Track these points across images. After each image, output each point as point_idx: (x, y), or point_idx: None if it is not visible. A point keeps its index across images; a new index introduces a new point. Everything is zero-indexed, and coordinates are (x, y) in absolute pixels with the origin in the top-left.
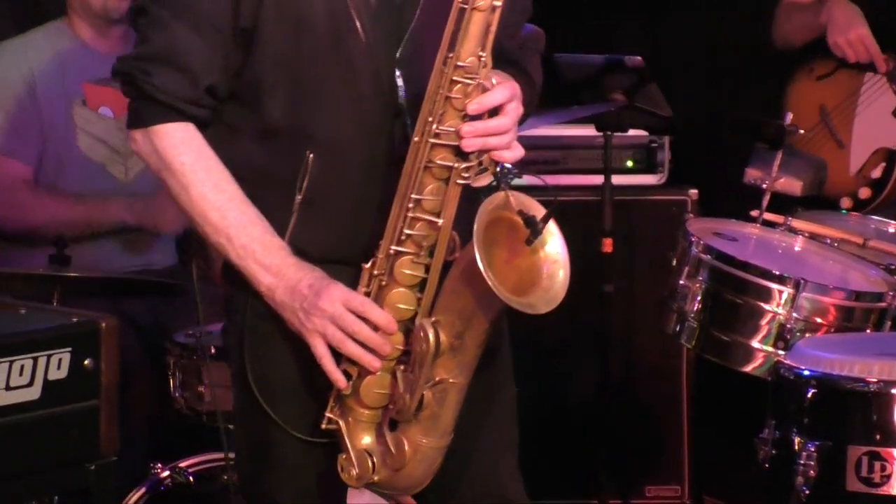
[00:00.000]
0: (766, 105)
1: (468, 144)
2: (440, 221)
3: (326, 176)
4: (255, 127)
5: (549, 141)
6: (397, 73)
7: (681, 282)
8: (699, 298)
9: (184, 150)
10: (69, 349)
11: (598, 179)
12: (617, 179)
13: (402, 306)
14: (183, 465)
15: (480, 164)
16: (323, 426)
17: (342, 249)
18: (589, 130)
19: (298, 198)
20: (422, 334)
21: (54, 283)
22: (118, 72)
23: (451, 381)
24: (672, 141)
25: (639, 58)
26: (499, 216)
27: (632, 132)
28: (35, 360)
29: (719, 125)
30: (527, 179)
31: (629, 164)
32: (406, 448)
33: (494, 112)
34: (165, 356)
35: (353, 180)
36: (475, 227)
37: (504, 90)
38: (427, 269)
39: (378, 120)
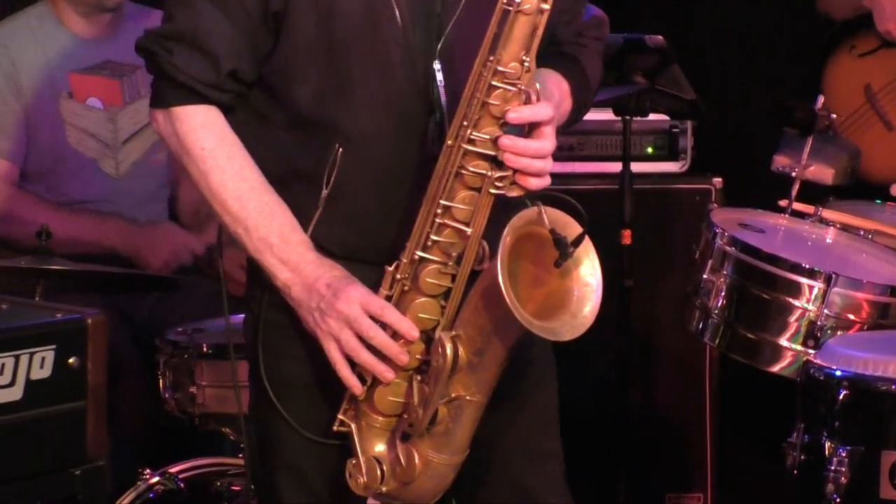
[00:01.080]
0: (798, 87)
1: (511, 160)
2: (469, 230)
3: (354, 170)
4: (283, 115)
5: None
6: (437, 66)
7: (704, 276)
8: (724, 294)
9: (204, 134)
10: (53, 347)
11: (616, 167)
12: (636, 167)
13: (424, 316)
14: (173, 470)
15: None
16: (335, 428)
17: (366, 248)
18: (607, 115)
19: (325, 192)
20: (440, 349)
21: (38, 276)
22: (141, 48)
23: (467, 398)
24: (695, 126)
25: (660, 37)
26: (530, 231)
27: (652, 116)
28: (17, 358)
29: (746, 109)
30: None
31: (649, 150)
32: (416, 462)
33: (532, 126)
34: (156, 355)
35: (381, 176)
36: (501, 244)
37: (548, 109)
38: (454, 278)
39: (411, 114)
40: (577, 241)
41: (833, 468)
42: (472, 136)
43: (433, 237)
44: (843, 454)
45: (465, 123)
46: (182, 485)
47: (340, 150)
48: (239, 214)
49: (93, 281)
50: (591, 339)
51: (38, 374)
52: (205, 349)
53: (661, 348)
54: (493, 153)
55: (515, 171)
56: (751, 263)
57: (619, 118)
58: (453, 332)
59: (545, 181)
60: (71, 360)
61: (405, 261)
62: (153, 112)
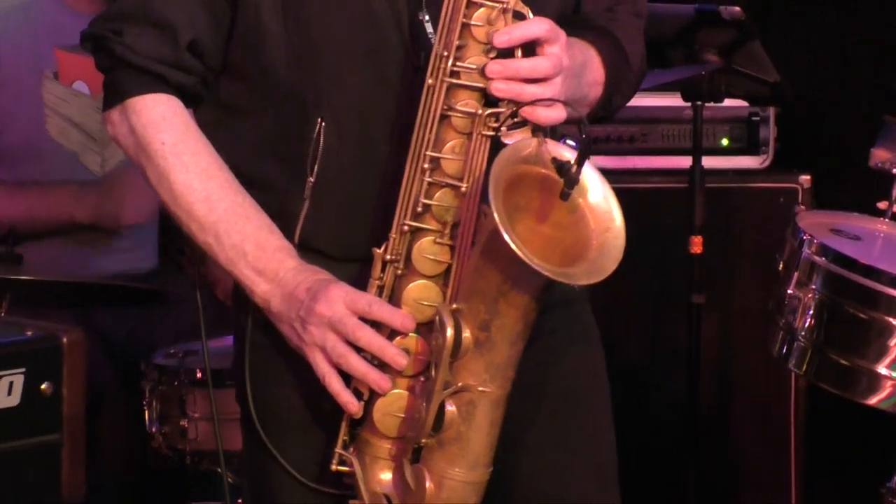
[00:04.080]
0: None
1: (497, 88)
2: (464, 186)
3: (342, 149)
4: (257, 98)
5: (625, 112)
6: (425, 17)
7: (789, 291)
8: (812, 312)
9: (165, 127)
10: (23, 370)
11: (685, 162)
12: (709, 162)
13: (424, 303)
14: None
15: (515, 112)
16: (333, 466)
17: (366, 242)
18: (674, 100)
19: (311, 181)
20: (437, 324)
21: (4, 288)
22: (88, 36)
23: (479, 389)
24: (779, 114)
25: (738, 8)
26: (527, 172)
27: (728, 102)
28: None
29: (838, 94)
30: (600, 160)
31: (725, 142)
32: (427, 483)
33: (531, 52)
34: (140, 381)
35: (374, 153)
36: (492, 174)
37: (543, 23)
38: (453, 252)
39: (401, 76)
40: (583, 157)
41: None
42: (454, 68)
43: (423, 201)
44: None
45: (446, 54)
46: None
47: (324, 124)
48: (207, 219)
49: (66, 294)
50: (656, 362)
51: (6, 401)
52: (198, 375)
53: (737, 375)
54: (482, 86)
55: (514, 104)
56: (844, 276)
57: (689, 104)
58: (454, 306)
59: (557, 112)
60: (43, 386)
61: (394, 236)
62: (107, 115)
